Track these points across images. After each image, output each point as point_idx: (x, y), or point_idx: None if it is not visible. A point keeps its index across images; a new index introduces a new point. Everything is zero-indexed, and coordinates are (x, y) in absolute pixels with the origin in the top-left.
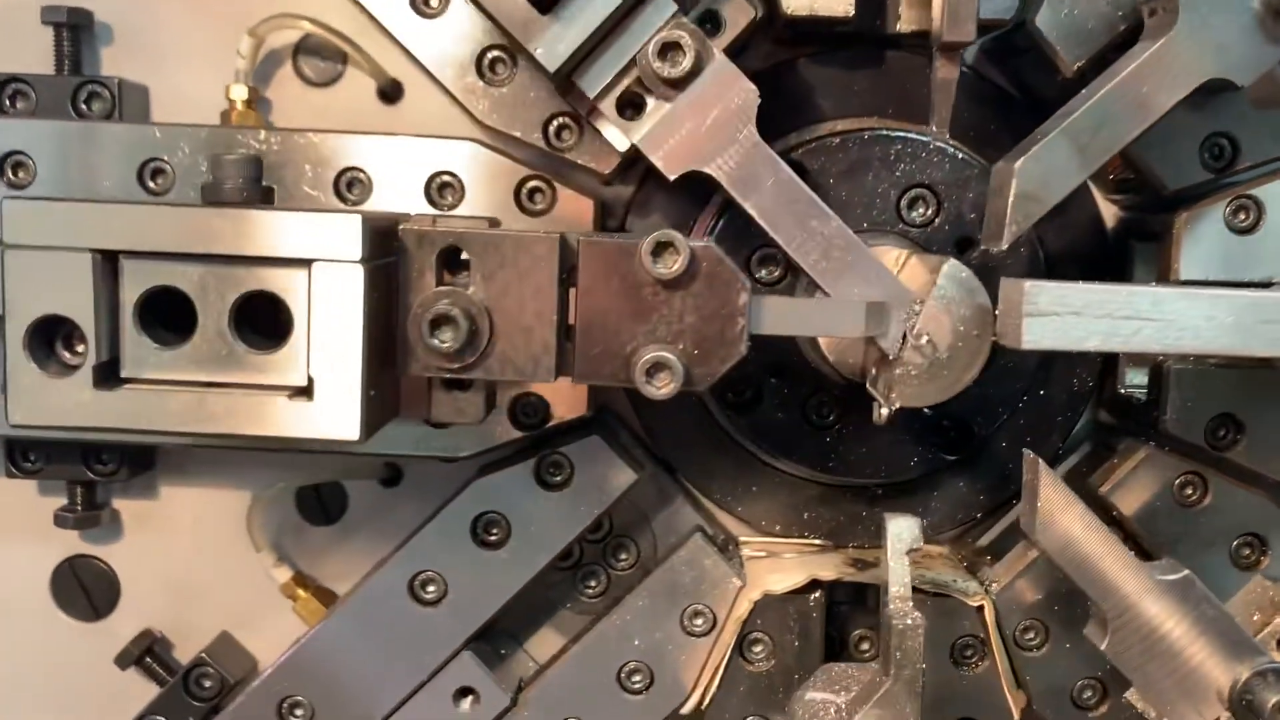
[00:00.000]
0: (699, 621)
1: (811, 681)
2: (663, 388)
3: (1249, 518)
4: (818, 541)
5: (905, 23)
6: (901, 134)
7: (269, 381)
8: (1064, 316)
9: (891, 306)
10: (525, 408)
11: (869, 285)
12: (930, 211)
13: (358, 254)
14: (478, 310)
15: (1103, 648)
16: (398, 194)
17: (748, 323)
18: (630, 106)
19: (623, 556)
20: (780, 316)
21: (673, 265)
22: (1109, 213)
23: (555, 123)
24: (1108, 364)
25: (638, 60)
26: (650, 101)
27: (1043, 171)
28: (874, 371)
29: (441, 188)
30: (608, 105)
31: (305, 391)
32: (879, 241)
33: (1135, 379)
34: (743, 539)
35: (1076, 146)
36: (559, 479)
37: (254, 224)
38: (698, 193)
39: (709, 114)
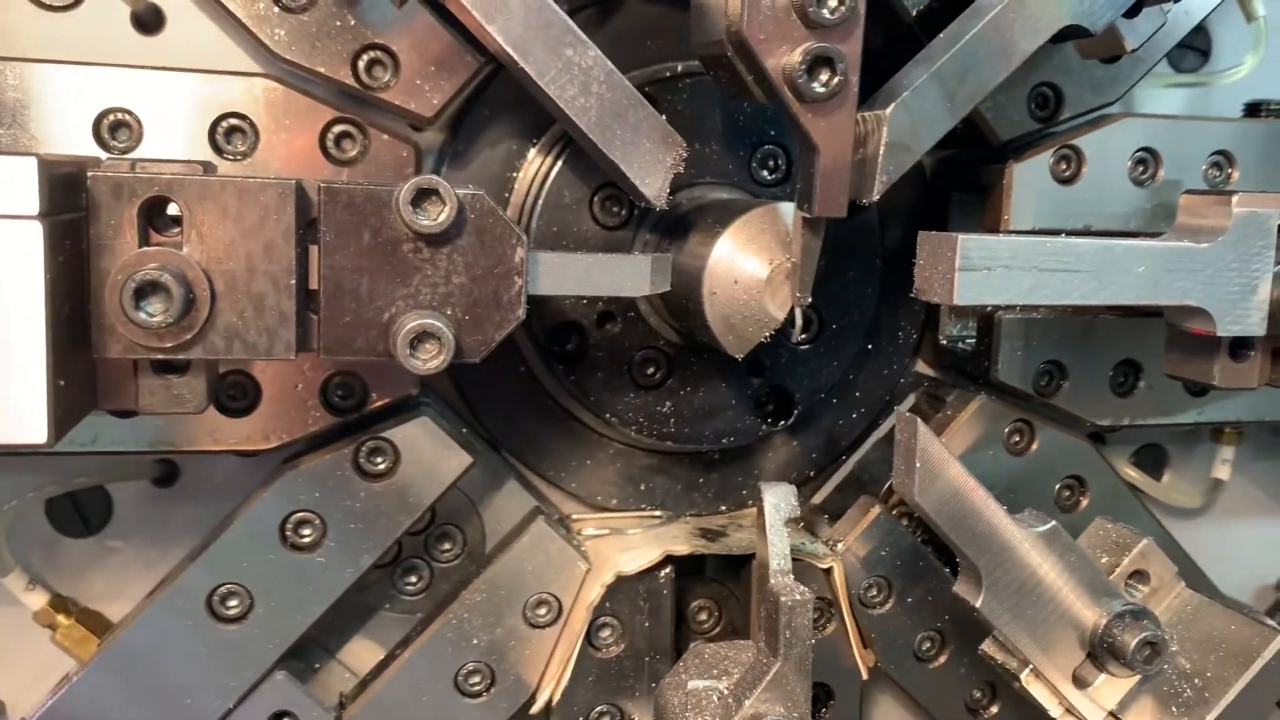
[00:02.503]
0: (543, 611)
1: (683, 666)
2: (429, 360)
3: (1070, 461)
4: (657, 513)
5: None
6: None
7: None
8: (995, 270)
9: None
10: (339, 388)
11: (628, 126)
12: (781, 170)
13: (34, 207)
14: (194, 274)
15: (977, 604)
16: (175, 139)
17: (525, 282)
18: None
19: (446, 547)
20: (560, 275)
21: (437, 216)
22: (926, 164)
23: (366, 56)
24: (929, 316)
25: None
26: None
27: (913, 119)
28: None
29: (230, 132)
30: None
31: None
32: (729, 192)
33: (956, 330)
34: (576, 516)
35: (945, 93)
36: (382, 466)
37: None
38: (522, 136)
39: None
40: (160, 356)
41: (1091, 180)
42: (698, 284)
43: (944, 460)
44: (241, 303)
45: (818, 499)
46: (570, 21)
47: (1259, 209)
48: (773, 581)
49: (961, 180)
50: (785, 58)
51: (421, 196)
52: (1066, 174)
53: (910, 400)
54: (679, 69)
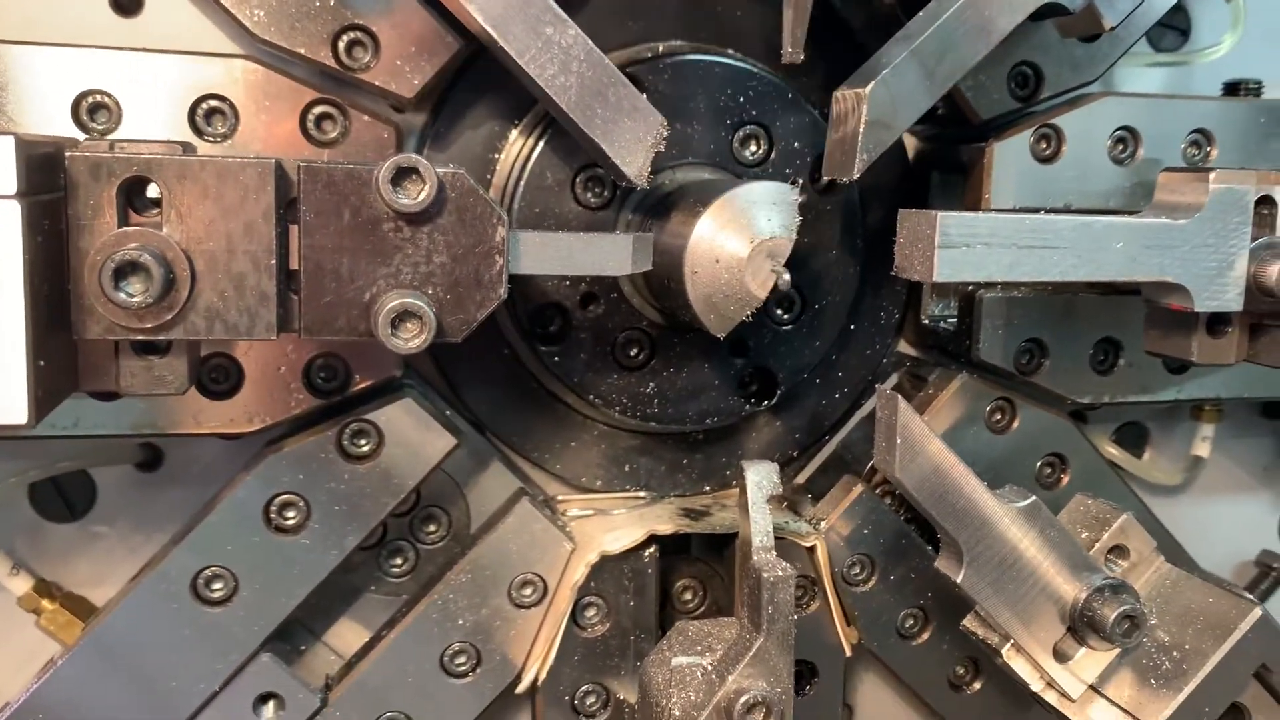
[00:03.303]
0: (528, 591)
1: (667, 644)
2: (411, 340)
3: (1051, 439)
4: (641, 494)
5: None
6: (739, 65)
7: None
8: (974, 248)
9: (647, 138)
10: (322, 370)
11: (609, 105)
12: (762, 150)
13: (12, 186)
14: (174, 254)
15: (958, 579)
16: (155, 121)
17: (506, 261)
18: None
19: (432, 529)
20: (542, 254)
21: (417, 195)
22: (908, 144)
23: (346, 37)
24: (911, 295)
25: None
26: None
27: (892, 97)
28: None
29: (210, 114)
30: None
31: None
32: (711, 173)
33: (938, 309)
34: (561, 497)
35: (925, 71)
36: (366, 448)
37: None
38: (503, 117)
39: None
40: (141, 337)
41: (1071, 159)
42: (679, 263)
43: (924, 436)
44: (222, 283)
45: (801, 478)
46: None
47: (1236, 185)
48: (755, 558)
49: (942, 160)
50: None
51: (402, 175)
52: (1047, 153)
53: (893, 379)
54: (660, 49)
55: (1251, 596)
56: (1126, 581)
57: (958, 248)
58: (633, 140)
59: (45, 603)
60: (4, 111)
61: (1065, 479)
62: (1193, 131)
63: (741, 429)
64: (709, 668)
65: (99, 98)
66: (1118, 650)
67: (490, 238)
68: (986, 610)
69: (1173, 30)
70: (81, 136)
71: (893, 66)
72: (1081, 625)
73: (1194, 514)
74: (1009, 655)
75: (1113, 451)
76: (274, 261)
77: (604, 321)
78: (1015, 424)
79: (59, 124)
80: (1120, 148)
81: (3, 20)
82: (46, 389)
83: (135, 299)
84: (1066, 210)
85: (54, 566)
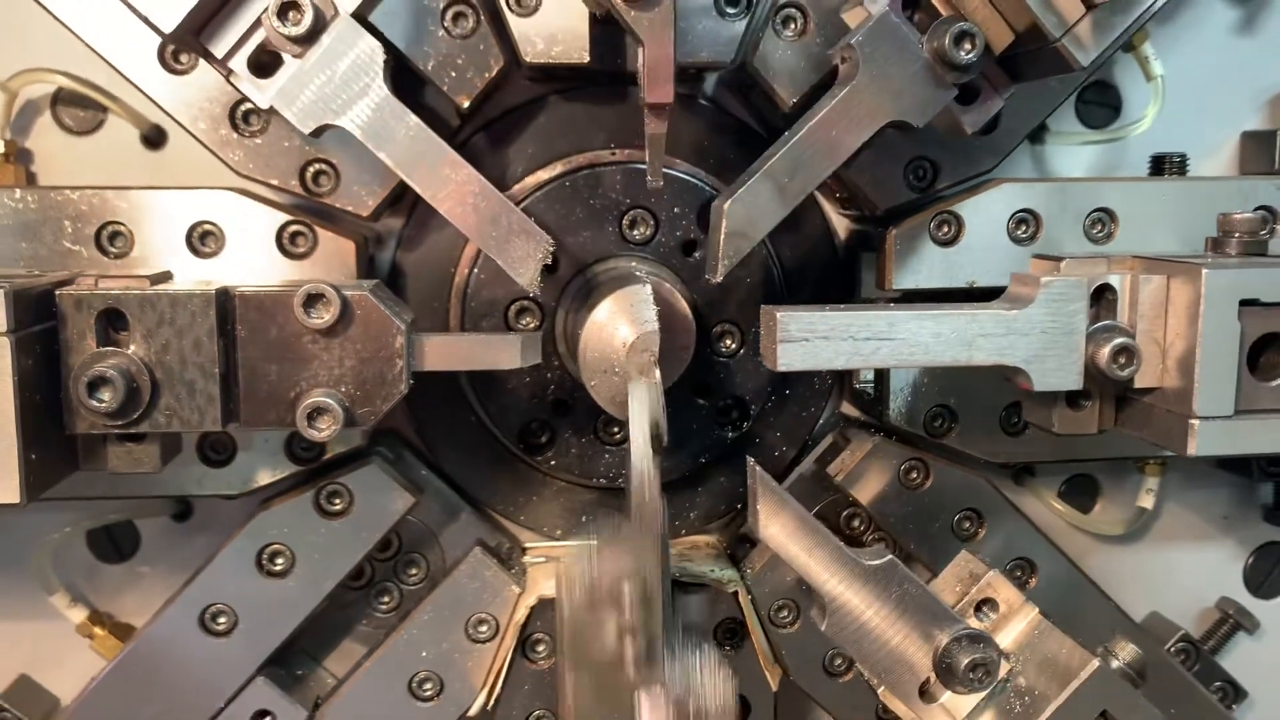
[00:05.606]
0: (483, 629)
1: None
2: (324, 430)
3: (966, 495)
4: (594, 542)
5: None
6: (617, 163)
7: None
8: (814, 341)
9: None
10: (302, 441)
11: (502, 228)
12: (650, 230)
13: (3, 325)
14: (137, 369)
15: (823, 629)
16: (160, 245)
17: (406, 363)
18: (263, 66)
19: (413, 572)
20: (442, 353)
21: (325, 316)
22: (841, 226)
23: (311, 169)
24: None
25: (262, 20)
26: (285, 59)
27: (747, 211)
28: None
29: (203, 236)
30: (239, 64)
31: None
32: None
33: (862, 374)
34: (527, 544)
35: (777, 188)
36: (339, 507)
37: None
38: None
39: (337, 69)
40: (115, 432)
41: (971, 242)
42: (583, 377)
43: (780, 503)
44: (177, 388)
45: (746, 529)
46: (447, 146)
47: (1070, 277)
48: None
49: (866, 242)
50: None
51: (313, 300)
52: (947, 236)
53: (827, 440)
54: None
55: (1093, 655)
56: (985, 632)
57: (797, 342)
58: (523, 255)
59: (97, 630)
60: (43, 242)
61: (983, 531)
62: (1095, 210)
63: (689, 484)
64: None
65: (116, 227)
66: (983, 694)
67: (391, 345)
68: (853, 656)
69: (1105, 108)
70: (102, 258)
71: (747, 185)
72: (942, 671)
73: (1153, 562)
74: (883, 695)
75: (1058, 506)
76: (217, 370)
77: (579, 417)
78: (929, 482)
79: (86, 249)
80: (1022, 229)
81: (57, 159)
82: (40, 474)
83: (104, 404)
84: (969, 289)
85: (106, 599)
